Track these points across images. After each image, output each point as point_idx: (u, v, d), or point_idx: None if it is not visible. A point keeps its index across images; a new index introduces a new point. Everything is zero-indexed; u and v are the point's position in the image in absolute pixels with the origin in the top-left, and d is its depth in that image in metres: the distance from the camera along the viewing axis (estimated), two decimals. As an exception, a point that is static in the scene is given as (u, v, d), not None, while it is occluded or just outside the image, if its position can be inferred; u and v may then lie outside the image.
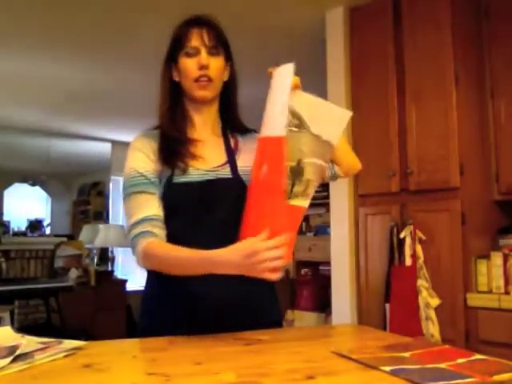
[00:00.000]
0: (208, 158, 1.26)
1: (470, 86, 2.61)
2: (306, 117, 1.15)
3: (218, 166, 1.25)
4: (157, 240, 1.16)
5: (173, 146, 1.24)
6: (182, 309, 1.20)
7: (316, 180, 1.19)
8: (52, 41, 3.64)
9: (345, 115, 1.21)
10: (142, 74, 3.65)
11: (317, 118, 1.16)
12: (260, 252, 0.98)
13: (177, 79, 1.30)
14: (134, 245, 1.16)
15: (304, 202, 1.18)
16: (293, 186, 1.15)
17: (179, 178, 1.21)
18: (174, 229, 1.21)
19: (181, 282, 1.18)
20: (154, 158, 1.23)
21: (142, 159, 1.22)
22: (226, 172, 1.24)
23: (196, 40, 1.24)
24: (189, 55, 1.25)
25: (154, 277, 1.27)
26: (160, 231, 1.18)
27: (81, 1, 3.04)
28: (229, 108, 1.35)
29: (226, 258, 1.03)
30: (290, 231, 1.19)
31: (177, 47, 1.27)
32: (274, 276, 1.01)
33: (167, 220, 1.22)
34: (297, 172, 1.15)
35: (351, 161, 1.38)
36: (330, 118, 1.19)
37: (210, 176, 1.22)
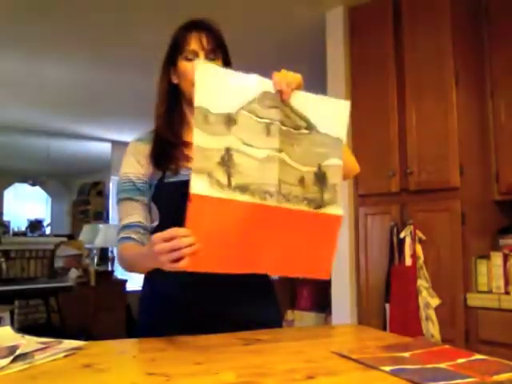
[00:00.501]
0: None
1: (470, 86, 2.61)
2: (310, 117, 1.13)
3: None
4: (129, 243, 1.22)
5: (166, 149, 1.26)
6: (174, 309, 1.21)
7: (339, 182, 1.16)
8: (52, 41, 3.64)
9: (344, 106, 1.19)
10: (142, 75, 3.64)
11: (320, 116, 1.14)
12: (155, 244, 0.97)
13: (175, 82, 1.31)
14: (118, 248, 1.26)
15: (338, 210, 1.14)
16: (322, 193, 1.13)
17: (170, 179, 1.23)
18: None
19: (172, 283, 1.20)
20: (144, 163, 1.27)
21: (133, 165, 1.27)
22: None
23: (195, 44, 1.26)
24: (188, 59, 1.26)
25: (148, 277, 1.29)
26: (140, 236, 1.24)
27: (81, 2, 3.04)
28: None
29: (142, 254, 1.09)
30: (328, 242, 1.15)
31: (176, 51, 1.29)
32: (174, 266, 0.95)
33: (163, 221, 1.24)
34: (321, 177, 1.12)
35: (349, 165, 1.37)
36: (332, 113, 1.17)
37: None
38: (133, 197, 1.26)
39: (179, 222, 1.18)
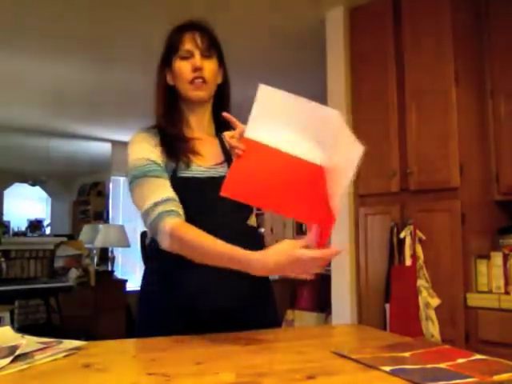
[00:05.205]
0: (206, 156, 1.28)
1: (470, 86, 2.61)
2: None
3: (216, 165, 1.28)
4: (184, 222, 1.14)
5: (174, 142, 1.26)
6: (175, 308, 1.21)
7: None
8: (52, 41, 3.64)
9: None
10: (141, 74, 3.64)
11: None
12: (305, 262, 1.00)
13: (171, 83, 1.32)
14: (158, 223, 1.13)
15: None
16: None
17: (183, 173, 1.22)
18: None
19: (180, 282, 1.19)
20: (159, 150, 1.24)
21: (150, 149, 1.23)
22: (225, 170, 1.27)
23: (189, 43, 1.27)
24: (183, 58, 1.27)
25: (153, 273, 1.28)
26: (182, 212, 1.16)
27: (80, 2, 3.04)
28: (222, 110, 1.37)
29: (262, 263, 1.02)
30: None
31: (171, 52, 1.29)
32: (309, 277, 1.04)
33: None
34: None
35: None
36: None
37: (211, 173, 1.25)
38: (161, 175, 1.19)
39: (188, 217, 1.17)
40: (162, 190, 1.17)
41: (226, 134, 1.13)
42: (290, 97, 1.09)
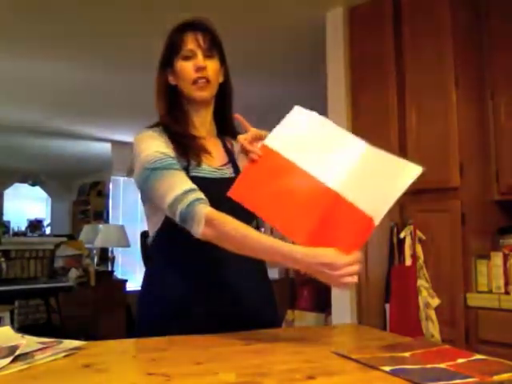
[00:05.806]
0: (214, 156, 1.28)
1: (470, 86, 2.60)
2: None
3: (222, 165, 1.29)
4: (215, 210, 1.11)
5: (182, 140, 1.25)
6: (175, 308, 1.20)
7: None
8: (52, 41, 3.64)
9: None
10: (142, 74, 3.64)
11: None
12: (339, 267, 1.00)
13: (173, 83, 1.31)
14: (193, 209, 1.10)
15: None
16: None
17: (195, 172, 1.21)
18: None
19: (173, 283, 1.20)
20: (171, 147, 1.22)
21: (164, 145, 1.21)
22: (230, 172, 1.27)
23: (192, 43, 1.27)
24: (185, 58, 1.27)
25: (153, 273, 1.28)
26: None
27: (80, 1, 3.04)
28: (224, 110, 1.37)
29: (303, 259, 1.02)
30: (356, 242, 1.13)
31: (172, 51, 1.29)
32: (344, 288, 1.04)
33: None
34: None
35: None
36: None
37: (219, 174, 1.25)
38: (180, 169, 1.17)
39: None
40: (188, 181, 1.15)
41: (240, 137, 1.14)
42: (319, 119, 1.11)
